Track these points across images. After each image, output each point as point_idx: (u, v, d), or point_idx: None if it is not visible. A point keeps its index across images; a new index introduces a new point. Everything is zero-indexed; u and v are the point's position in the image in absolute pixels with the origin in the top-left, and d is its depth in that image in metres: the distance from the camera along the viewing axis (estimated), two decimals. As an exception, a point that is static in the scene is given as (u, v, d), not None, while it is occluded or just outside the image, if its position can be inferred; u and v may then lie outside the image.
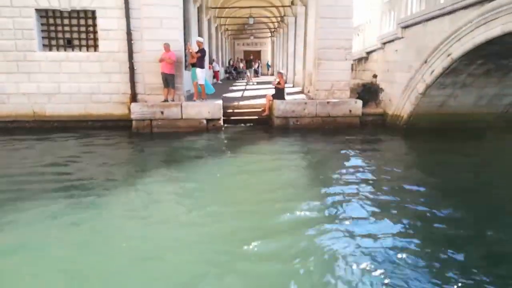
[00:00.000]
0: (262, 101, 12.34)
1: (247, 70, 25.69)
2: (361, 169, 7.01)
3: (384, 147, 9.28)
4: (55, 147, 8.93)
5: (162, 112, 10.53)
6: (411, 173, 7.19)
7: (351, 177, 6.57)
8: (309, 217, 4.87)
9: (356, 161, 7.70)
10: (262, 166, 7.36)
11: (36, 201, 5.36)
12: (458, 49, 8.56)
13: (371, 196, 5.62)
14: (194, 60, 11.03)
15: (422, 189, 6.09)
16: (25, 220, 4.78)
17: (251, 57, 30.53)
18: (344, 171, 7.02)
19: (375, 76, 13.14)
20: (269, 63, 39.72)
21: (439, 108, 10.54)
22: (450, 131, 10.18)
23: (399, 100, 11.05)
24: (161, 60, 10.41)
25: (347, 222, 4.73)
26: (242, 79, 27.14)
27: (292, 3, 19.69)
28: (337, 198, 5.51)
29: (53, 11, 10.82)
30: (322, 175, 6.79)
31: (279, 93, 11.75)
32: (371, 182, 6.32)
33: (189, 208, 5.26)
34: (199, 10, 17.74)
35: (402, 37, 11.12)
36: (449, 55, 8.89)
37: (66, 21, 10.99)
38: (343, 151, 8.50)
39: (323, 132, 10.53)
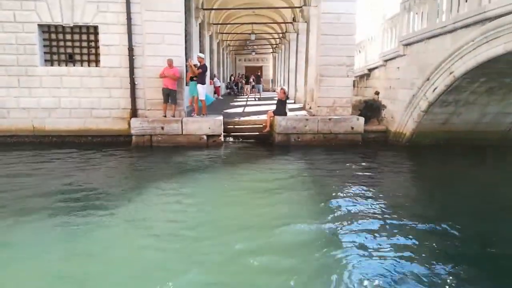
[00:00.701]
0: (263, 117, 12.28)
1: (258, 86, 24.91)
2: (362, 189, 6.83)
3: (386, 165, 9.11)
4: (54, 162, 8.83)
5: (162, 128, 10.47)
6: (413, 191, 7.05)
7: (351, 195, 6.42)
8: (307, 231, 4.88)
9: (357, 180, 7.52)
10: (262, 183, 7.22)
11: (36, 213, 5.38)
12: (461, 67, 8.52)
13: (373, 212, 5.57)
14: (195, 74, 11.03)
15: (423, 207, 5.97)
16: (26, 229, 4.88)
17: (258, 73, 29.99)
18: (344, 188, 6.84)
19: (377, 93, 13.09)
20: (273, 80, 39.93)
21: (442, 125, 10.45)
22: (454, 149, 10.08)
23: (401, 117, 10.97)
24: (162, 76, 10.40)
25: (345, 235, 4.74)
26: (244, 95, 27.05)
27: (294, 19, 19.84)
28: (337, 214, 5.44)
29: (56, 26, 10.86)
30: (322, 193, 6.60)
31: (280, 108, 11.69)
32: (372, 200, 6.17)
33: (185, 221, 5.28)
34: (201, 26, 17.88)
35: (404, 55, 11.13)
36: (451, 73, 8.84)
37: (68, 36, 11.02)
38: (344, 169, 8.36)
39: (324, 149, 10.38)
